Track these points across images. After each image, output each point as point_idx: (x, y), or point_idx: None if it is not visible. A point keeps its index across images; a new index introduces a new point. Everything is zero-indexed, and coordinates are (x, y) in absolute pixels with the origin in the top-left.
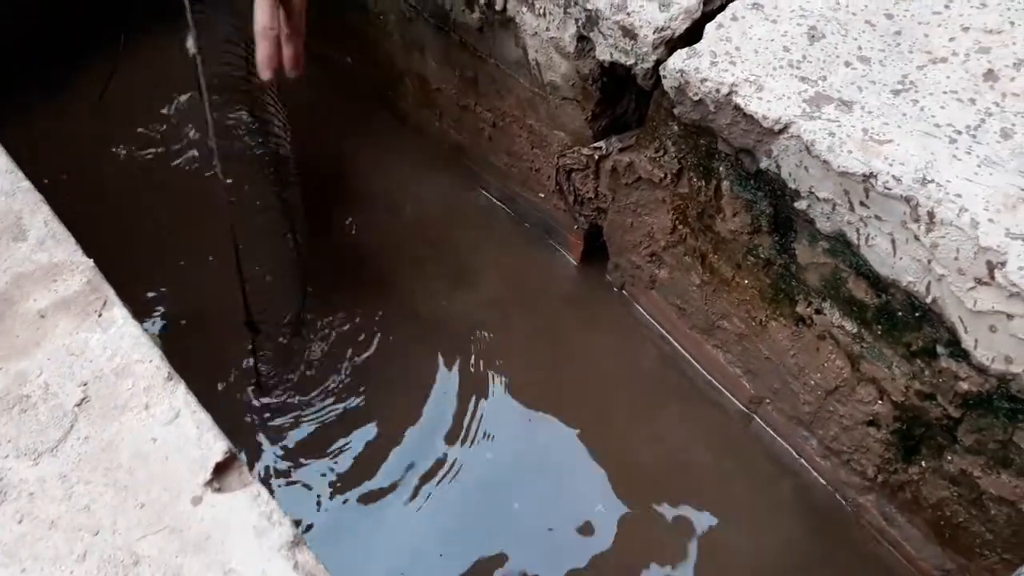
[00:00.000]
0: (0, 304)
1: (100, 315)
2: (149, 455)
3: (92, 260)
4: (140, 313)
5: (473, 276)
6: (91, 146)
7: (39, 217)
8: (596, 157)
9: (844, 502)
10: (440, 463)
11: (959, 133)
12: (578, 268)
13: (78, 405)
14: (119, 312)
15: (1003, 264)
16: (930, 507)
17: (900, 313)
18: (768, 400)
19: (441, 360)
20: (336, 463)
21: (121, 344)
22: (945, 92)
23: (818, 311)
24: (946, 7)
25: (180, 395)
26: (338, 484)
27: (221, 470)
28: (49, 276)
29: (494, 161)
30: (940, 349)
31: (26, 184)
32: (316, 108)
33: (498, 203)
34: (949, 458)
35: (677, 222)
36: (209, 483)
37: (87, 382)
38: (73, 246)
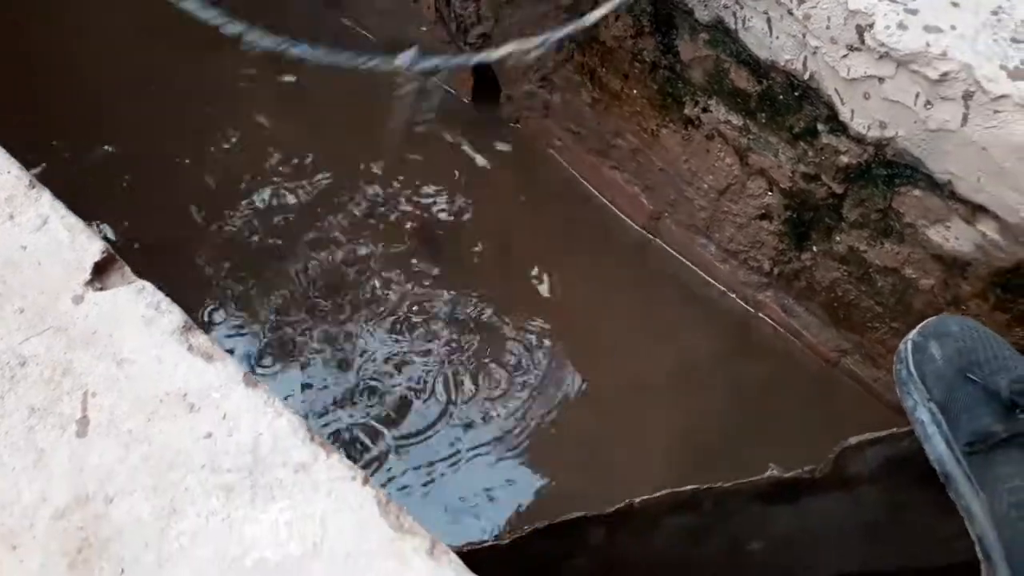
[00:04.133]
0: None
1: None
2: (20, 263)
3: None
4: None
5: (359, 122)
6: None
7: None
8: None
9: (744, 303)
10: None
11: None
12: (471, 106)
13: None
14: None
15: (871, 26)
16: (824, 290)
17: (781, 97)
18: (666, 214)
19: None
20: None
21: None
22: None
23: (705, 109)
24: None
25: (46, 202)
26: None
27: (101, 270)
28: None
29: None
30: (820, 127)
31: None
32: None
33: (376, 44)
34: (837, 238)
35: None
36: (89, 283)
37: None
38: None
